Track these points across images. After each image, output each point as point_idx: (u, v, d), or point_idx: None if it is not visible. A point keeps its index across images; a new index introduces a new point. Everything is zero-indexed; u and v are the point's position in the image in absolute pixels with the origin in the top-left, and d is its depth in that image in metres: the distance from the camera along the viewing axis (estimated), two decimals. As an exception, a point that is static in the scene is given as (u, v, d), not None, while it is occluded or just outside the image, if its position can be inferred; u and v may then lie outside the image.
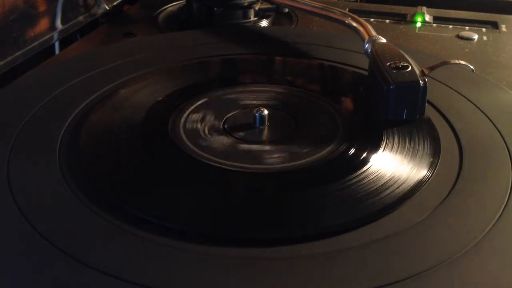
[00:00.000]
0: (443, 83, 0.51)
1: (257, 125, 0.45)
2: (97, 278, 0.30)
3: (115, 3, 0.76)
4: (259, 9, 0.70)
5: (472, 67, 0.46)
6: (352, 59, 0.57)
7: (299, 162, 0.40)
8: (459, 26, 0.71)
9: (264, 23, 0.70)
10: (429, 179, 0.39)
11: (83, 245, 0.33)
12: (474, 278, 0.31)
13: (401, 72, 0.44)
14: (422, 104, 0.44)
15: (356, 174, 0.39)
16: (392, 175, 0.39)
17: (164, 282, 0.30)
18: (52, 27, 0.66)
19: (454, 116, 0.46)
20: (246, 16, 0.69)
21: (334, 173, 0.39)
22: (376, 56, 0.47)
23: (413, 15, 0.73)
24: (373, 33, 0.52)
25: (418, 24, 0.72)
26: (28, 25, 0.62)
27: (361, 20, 0.55)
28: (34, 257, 0.32)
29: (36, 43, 0.63)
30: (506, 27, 0.71)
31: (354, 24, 0.55)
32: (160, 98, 0.49)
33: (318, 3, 0.62)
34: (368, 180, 0.38)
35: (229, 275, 0.31)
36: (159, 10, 0.76)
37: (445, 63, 0.46)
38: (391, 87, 0.43)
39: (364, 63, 0.50)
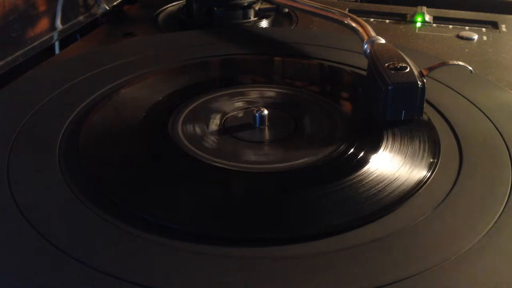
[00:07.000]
0: (442, 83, 0.51)
1: (257, 125, 0.45)
2: (97, 278, 0.30)
3: (115, 3, 0.76)
4: (259, 9, 0.70)
5: (470, 68, 0.46)
6: (352, 59, 0.57)
7: (299, 162, 0.40)
8: (459, 26, 0.71)
9: (264, 23, 0.70)
10: (429, 179, 0.39)
11: (83, 245, 0.33)
12: (474, 278, 0.31)
13: (399, 72, 0.44)
14: (420, 105, 0.44)
15: (356, 174, 0.39)
16: (392, 175, 0.39)
17: (164, 282, 0.30)
18: (52, 27, 0.66)
19: (454, 116, 0.46)
20: (246, 16, 0.69)
21: (334, 173, 0.39)
22: (374, 57, 0.47)
23: (413, 15, 0.73)
24: (372, 33, 0.52)
25: (418, 24, 0.72)
26: (28, 25, 0.62)
27: (360, 20, 0.55)
28: (34, 257, 0.32)
29: (36, 43, 0.63)
30: (506, 27, 0.71)
31: (353, 24, 0.55)
32: (160, 98, 0.49)
33: (318, 3, 0.62)
34: (368, 180, 0.38)
35: (229, 275, 0.31)
36: (159, 10, 0.76)
37: (443, 64, 0.46)
38: (389, 87, 0.43)
39: (364, 63, 0.50)
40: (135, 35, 0.68)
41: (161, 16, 0.75)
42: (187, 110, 0.47)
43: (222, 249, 0.33)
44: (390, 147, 0.42)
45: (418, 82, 0.43)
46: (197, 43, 0.61)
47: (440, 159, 0.41)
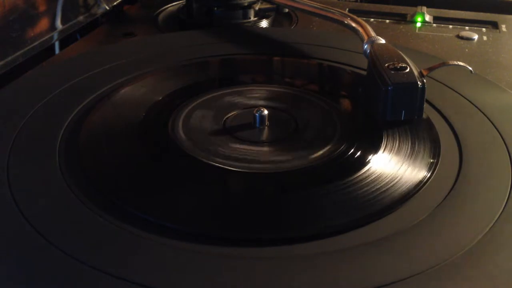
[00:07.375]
0: (443, 83, 0.51)
1: (257, 125, 0.45)
2: (97, 278, 0.30)
3: (115, 3, 0.76)
4: (259, 9, 0.70)
5: (470, 68, 0.46)
6: (352, 59, 0.57)
7: (299, 162, 0.40)
8: (459, 26, 0.71)
9: (264, 23, 0.70)
10: (429, 179, 0.39)
11: (83, 245, 0.33)
12: (474, 278, 0.31)
13: (399, 73, 0.44)
14: (420, 105, 0.44)
15: (356, 175, 0.39)
16: (392, 176, 0.39)
17: (164, 282, 0.30)
18: (52, 27, 0.66)
19: (454, 116, 0.46)
20: (246, 16, 0.69)
21: (334, 173, 0.39)
22: (374, 57, 0.47)
23: (413, 15, 0.73)
24: (372, 33, 0.52)
25: (418, 24, 0.72)
26: (28, 25, 0.62)
27: (360, 20, 0.55)
28: (34, 257, 0.32)
29: (36, 43, 0.63)
30: (506, 27, 0.71)
31: (353, 24, 0.55)
32: (160, 98, 0.49)
33: (318, 3, 0.62)
34: (368, 181, 0.38)
35: (229, 275, 0.31)
36: (159, 10, 0.76)
37: (443, 64, 0.46)
38: (389, 88, 0.43)
39: (364, 63, 0.50)
40: (135, 35, 0.68)
41: (161, 16, 0.75)
42: (187, 110, 0.47)
43: (222, 249, 0.33)
44: (390, 147, 0.42)
45: (418, 82, 0.43)
46: (197, 43, 0.61)
47: (440, 159, 0.41)
